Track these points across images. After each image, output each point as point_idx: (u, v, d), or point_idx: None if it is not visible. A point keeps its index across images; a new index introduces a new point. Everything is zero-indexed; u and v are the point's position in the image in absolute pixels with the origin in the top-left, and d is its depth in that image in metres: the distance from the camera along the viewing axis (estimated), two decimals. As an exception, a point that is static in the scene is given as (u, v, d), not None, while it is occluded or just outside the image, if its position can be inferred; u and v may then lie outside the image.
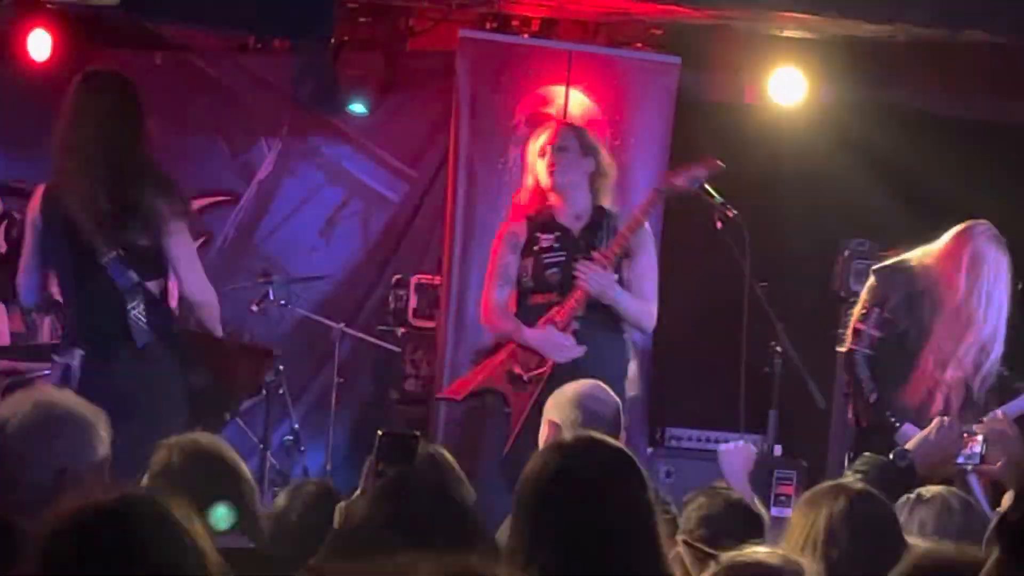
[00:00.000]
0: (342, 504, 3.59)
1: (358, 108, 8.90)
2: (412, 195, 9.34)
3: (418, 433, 3.64)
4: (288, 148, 9.27)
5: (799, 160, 8.65)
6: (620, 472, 3.14)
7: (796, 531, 3.69)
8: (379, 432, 3.60)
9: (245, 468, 4.11)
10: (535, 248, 6.73)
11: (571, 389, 5.41)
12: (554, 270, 6.68)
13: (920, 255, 6.23)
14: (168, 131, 9.05)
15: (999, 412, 6.05)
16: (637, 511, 3.10)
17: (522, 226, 6.80)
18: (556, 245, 6.72)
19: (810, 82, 8.59)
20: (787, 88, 8.59)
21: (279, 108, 9.25)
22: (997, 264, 6.14)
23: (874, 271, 6.33)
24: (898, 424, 6.17)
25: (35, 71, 8.50)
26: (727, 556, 3.21)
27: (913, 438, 5.73)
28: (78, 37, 8.57)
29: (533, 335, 6.61)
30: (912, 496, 4.44)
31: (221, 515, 3.79)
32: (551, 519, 3.07)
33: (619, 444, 3.26)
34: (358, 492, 3.59)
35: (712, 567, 3.24)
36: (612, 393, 5.39)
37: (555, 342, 6.59)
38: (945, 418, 5.78)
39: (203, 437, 4.18)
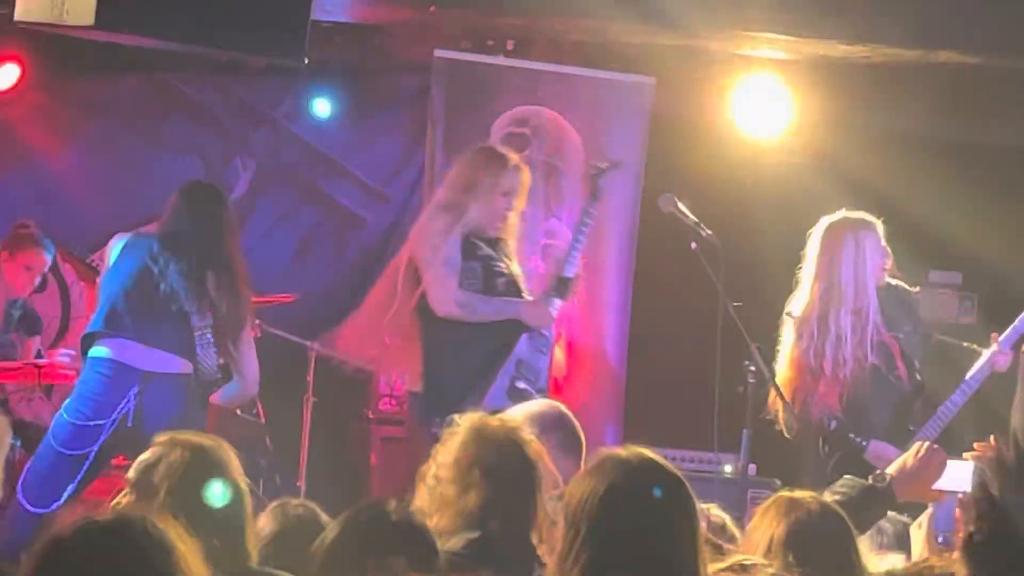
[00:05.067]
0: None
1: (318, 112, 8.94)
2: (387, 215, 9.35)
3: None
4: (263, 168, 9.27)
5: (773, 180, 8.68)
6: (671, 495, 3.14)
7: (752, 538, 3.70)
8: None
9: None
10: (479, 254, 6.72)
11: (523, 410, 5.41)
12: (502, 279, 6.70)
13: None
14: (143, 151, 9.08)
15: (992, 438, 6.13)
16: (684, 534, 3.10)
17: (457, 226, 6.72)
18: (494, 255, 6.74)
19: (784, 103, 8.61)
20: (761, 109, 8.62)
21: (254, 127, 9.26)
22: None
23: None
24: (864, 443, 6.30)
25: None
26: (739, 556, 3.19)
27: (894, 461, 5.76)
28: (50, 60, 8.56)
29: (525, 306, 6.69)
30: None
31: (218, 492, 3.78)
32: (599, 539, 3.06)
33: (670, 466, 3.23)
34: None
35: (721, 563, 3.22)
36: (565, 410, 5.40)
37: (542, 313, 6.72)
38: (925, 443, 5.83)
39: None
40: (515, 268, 6.81)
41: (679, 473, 3.20)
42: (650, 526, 3.06)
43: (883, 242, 6.66)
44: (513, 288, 6.73)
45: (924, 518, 4.59)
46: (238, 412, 7.55)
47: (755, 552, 3.59)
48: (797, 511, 3.71)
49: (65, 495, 6.19)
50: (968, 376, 6.44)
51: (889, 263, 6.65)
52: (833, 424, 6.40)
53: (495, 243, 6.77)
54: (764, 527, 3.69)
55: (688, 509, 3.13)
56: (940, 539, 4.56)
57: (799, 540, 3.62)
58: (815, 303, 6.53)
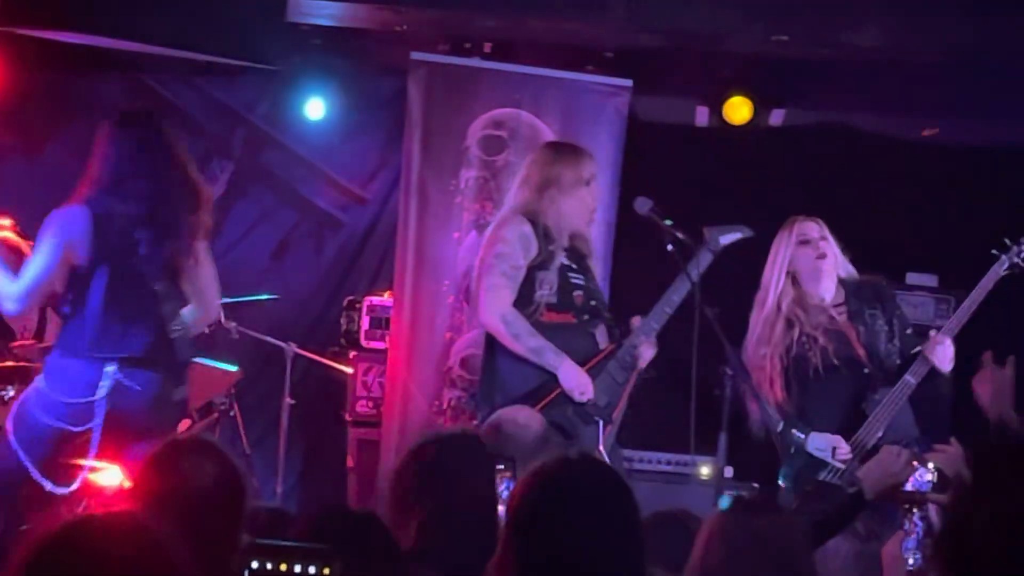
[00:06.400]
0: None
1: (296, 114, 8.95)
2: (364, 217, 9.36)
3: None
4: (241, 169, 9.26)
5: (750, 182, 8.70)
6: (609, 491, 3.15)
7: (696, 546, 3.72)
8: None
9: None
10: (555, 264, 6.52)
11: (494, 415, 5.42)
12: (579, 292, 6.59)
13: None
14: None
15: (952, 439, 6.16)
16: (625, 530, 3.12)
17: (531, 232, 6.54)
18: (574, 266, 6.61)
19: (761, 105, 8.64)
20: (738, 111, 8.64)
21: (232, 129, 9.25)
22: None
23: None
24: (803, 436, 6.39)
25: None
26: None
27: (864, 465, 5.79)
28: (27, 61, 8.54)
29: (569, 368, 6.38)
30: None
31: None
32: (538, 537, 3.08)
33: (607, 463, 3.26)
34: None
35: None
36: (535, 419, 5.38)
37: (582, 381, 6.43)
38: (893, 446, 5.87)
39: None
40: (594, 285, 6.66)
41: (619, 472, 3.24)
42: (581, 524, 3.08)
43: (828, 239, 6.69)
44: (590, 304, 6.60)
45: (892, 541, 4.60)
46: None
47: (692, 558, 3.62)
48: (730, 514, 3.72)
49: (83, 473, 6.10)
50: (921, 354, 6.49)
51: (827, 253, 6.67)
52: (780, 427, 6.47)
53: (579, 256, 6.63)
54: (704, 530, 3.72)
55: (623, 507, 3.15)
56: (912, 561, 4.56)
57: (725, 541, 3.63)
58: (758, 306, 6.62)
